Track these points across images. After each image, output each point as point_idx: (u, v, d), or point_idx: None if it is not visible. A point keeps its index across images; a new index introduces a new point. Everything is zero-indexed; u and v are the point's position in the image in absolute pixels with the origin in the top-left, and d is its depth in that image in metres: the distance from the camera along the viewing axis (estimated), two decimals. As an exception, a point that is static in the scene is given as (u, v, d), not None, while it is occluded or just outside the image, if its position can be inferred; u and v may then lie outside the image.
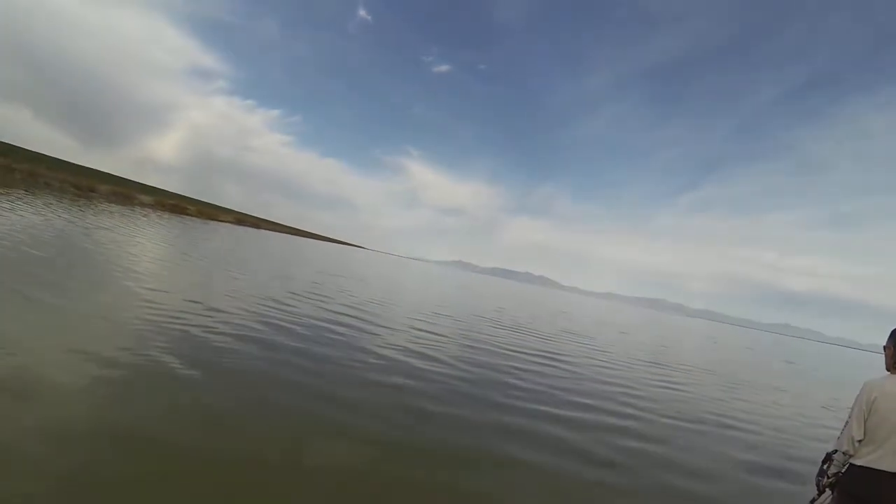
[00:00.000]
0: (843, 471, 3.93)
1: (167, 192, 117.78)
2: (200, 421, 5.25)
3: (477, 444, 6.17)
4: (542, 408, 8.71)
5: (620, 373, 14.67)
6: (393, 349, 11.18)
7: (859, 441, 3.80)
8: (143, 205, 63.58)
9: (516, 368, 12.02)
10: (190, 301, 11.44)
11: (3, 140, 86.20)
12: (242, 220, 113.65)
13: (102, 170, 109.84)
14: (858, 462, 3.79)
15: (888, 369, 3.87)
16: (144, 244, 21.23)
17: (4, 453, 3.89)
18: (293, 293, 16.88)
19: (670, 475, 6.49)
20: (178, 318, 9.61)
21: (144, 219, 38.68)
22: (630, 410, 9.85)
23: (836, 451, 3.98)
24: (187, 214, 74.38)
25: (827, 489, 4.04)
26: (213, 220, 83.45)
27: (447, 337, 14.80)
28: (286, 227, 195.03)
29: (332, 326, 12.42)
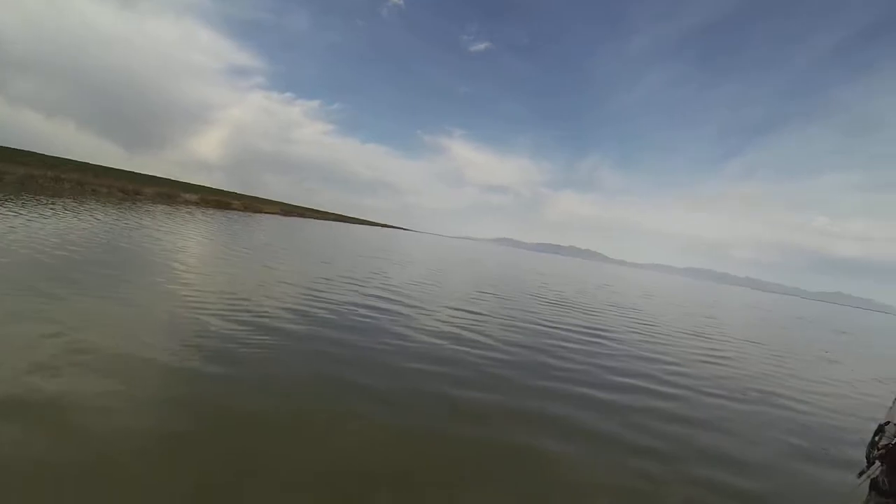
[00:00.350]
0: (894, 443, 3.72)
1: (211, 188, 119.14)
2: (229, 415, 5.30)
3: (508, 436, 5.95)
4: (582, 390, 8.49)
5: (665, 347, 14.39)
6: (428, 332, 11.03)
7: None
8: (187, 202, 65.01)
9: (557, 346, 11.87)
10: (223, 293, 11.53)
11: (51, 154, 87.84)
12: (288, 210, 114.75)
13: (148, 173, 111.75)
14: None
15: None
16: (185, 240, 21.53)
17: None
18: (330, 279, 16.94)
19: (712, 466, 6.14)
20: (211, 309, 9.75)
21: (188, 215, 39.41)
22: (673, 390, 9.53)
23: (888, 423, 3.86)
24: (232, 209, 75.55)
25: (877, 461, 3.82)
26: (258, 212, 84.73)
27: (487, 316, 14.68)
28: (332, 214, 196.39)
29: (368, 311, 12.33)
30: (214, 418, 5.09)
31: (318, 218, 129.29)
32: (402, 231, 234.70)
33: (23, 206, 23.32)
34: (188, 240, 21.73)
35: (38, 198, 30.05)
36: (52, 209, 24.50)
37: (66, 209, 26.01)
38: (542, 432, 6.15)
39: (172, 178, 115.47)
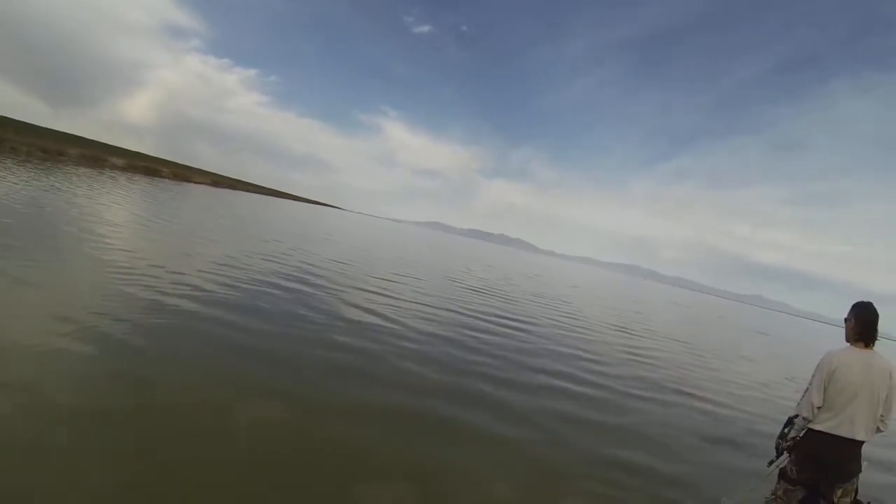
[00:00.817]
0: (802, 435, 4.16)
1: (140, 153, 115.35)
2: (133, 382, 5.15)
3: (390, 436, 5.38)
4: (494, 373, 8.32)
5: (586, 339, 14.31)
6: (336, 312, 10.44)
7: (818, 408, 3.99)
8: (114, 167, 62.11)
9: (471, 333, 11.40)
10: (138, 261, 10.89)
11: None
12: (218, 181, 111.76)
13: (73, 132, 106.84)
14: (817, 427, 4.01)
15: (847, 341, 4.10)
16: (108, 208, 20.25)
17: None
18: (258, 253, 16.50)
19: (619, 449, 6.18)
20: (129, 278, 9.27)
21: (111, 181, 37.48)
22: (590, 377, 9.54)
23: (797, 416, 4.19)
24: (161, 176, 72.90)
25: (786, 452, 4.29)
26: (187, 181, 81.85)
27: (401, 298, 14.16)
28: (263, 188, 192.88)
29: (285, 285, 12.00)
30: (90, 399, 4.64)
31: (248, 190, 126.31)
32: (332, 209, 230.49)
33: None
34: (105, 207, 20.26)
35: None
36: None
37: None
38: (430, 432, 5.63)
39: (99, 141, 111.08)
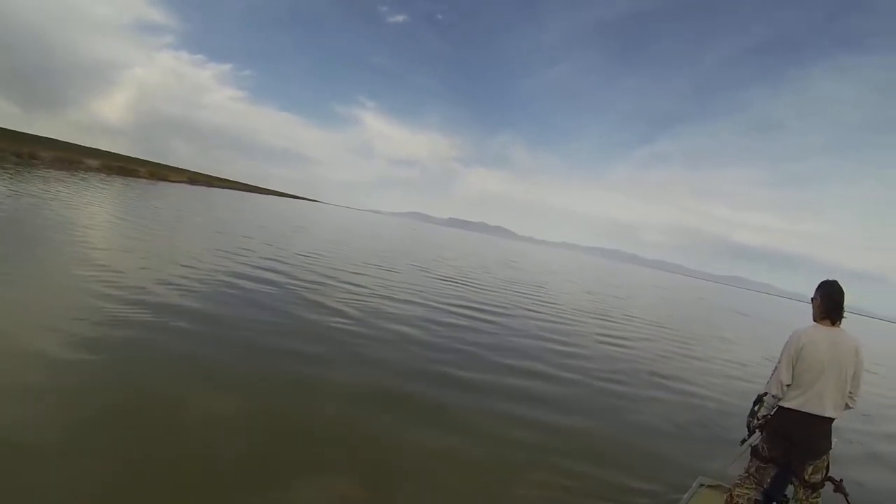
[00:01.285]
0: (772, 413, 4.15)
1: (115, 154, 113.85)
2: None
3: (353, 423, 5.44)
4: (455, 372, 7.83)
5: (561, 327, 13.97)
6: (294, 310, 10.00)
7: (787, 385, 3.98)
8: (89, 169, 60.91)
9: (439, 324, 11.10)
10: (100, 266, 10.41)
11: None
12: (195, 179, 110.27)
13: (46, 135, 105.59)
14: (786, 405, 3.99)
15: (815, 319, 4.07)
16: (79, 211, 19.62)
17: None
18: (224, 250, 15.92)
19: (585, 458, 5.60)
20: (93, 278, 9.09)
21: (82, 182, 36.63)
22: (561, 372, 9.04)
23: (766, 394, 4.20)
24: (137, 176, 71.67)
25: (757, 430, 4.27)
26: (164, 180, 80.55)
27: (368, 289, 13.83)
28: (241, 184, 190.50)
29: (247, 283, 11.60)
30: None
31: (225, 187, 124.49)
32: (311, 203, 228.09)
33: None
34: (75, 210, 19.69)
35: None
36: None
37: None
38: (386, 412, 5.73)
39: (74, 143, 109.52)
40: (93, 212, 20.54)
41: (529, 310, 16.10)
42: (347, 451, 4.81)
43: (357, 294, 12.91)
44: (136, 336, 6.72)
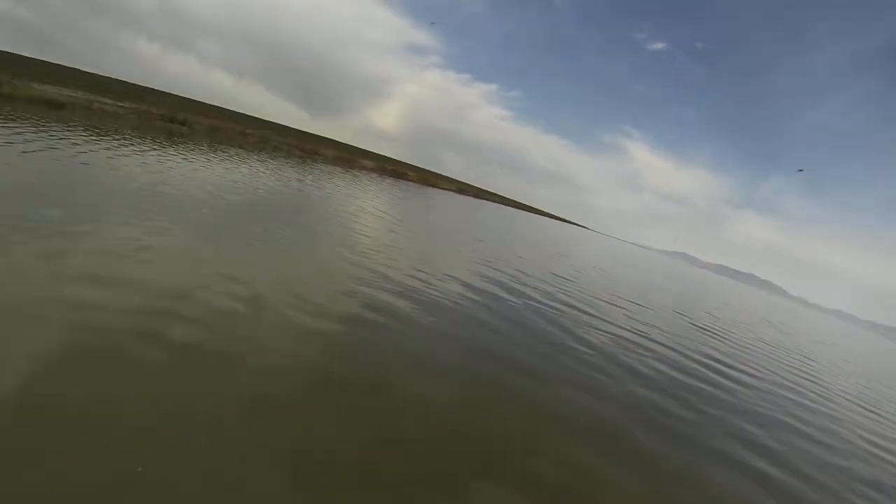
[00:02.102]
0: None
1: (388, 157, 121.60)
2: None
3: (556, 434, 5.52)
4: (671, 422, 7.39)
5: (818, 411, 11.23)
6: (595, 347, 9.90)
7: None
8: (363, 168, 66.47)
9: (683, 371, 10.24)
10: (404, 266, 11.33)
11: (242, 112, 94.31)
12: (462, 189, 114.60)
13: (327, 136, 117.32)
14: None
15: None
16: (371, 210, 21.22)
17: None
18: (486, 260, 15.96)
19: None
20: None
21: (354, 179, 39.79)
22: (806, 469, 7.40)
23: None
24: (407, 179, 76.10)
25: None
26: (432, 186, 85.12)
27: (621, 327, 12.86)
28: (507, 198, 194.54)
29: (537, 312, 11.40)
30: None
31: (492, 200, 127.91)
32: (577, 227, 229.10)
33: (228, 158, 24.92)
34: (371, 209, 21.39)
35: (226, 148, 31.27)
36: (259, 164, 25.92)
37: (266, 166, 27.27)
38: None
39: (351, 144, 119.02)
40: (378, 206, 22.99)
41: (783, 379, 13.60)
42: (535, 468, 4.88)
43: (604, 329, 12.10)
44: (378, 320, 7.53)
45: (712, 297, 42.74)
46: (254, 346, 5.61)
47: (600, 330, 11.74)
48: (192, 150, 23.39)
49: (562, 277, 18.40)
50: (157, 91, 69.38)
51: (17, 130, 15.62)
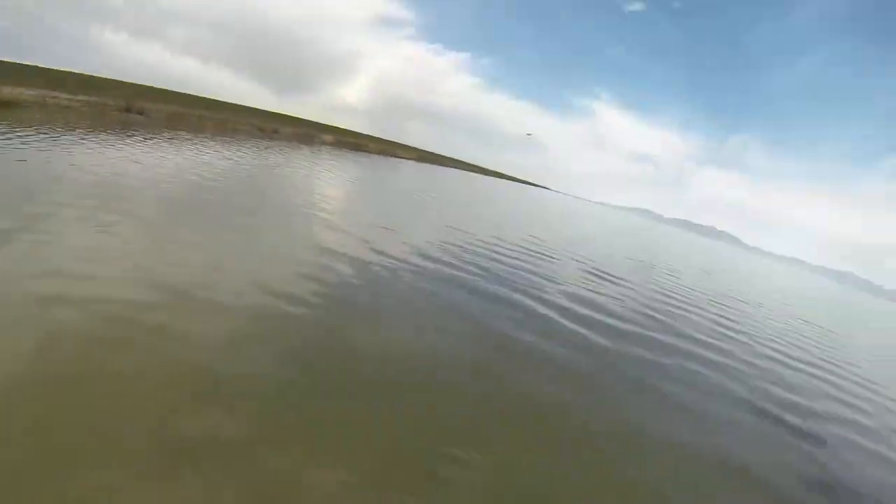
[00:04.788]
0: None
1: (349, 130, 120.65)
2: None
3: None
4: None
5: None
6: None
7: None
8: (323, 143, 65.99)
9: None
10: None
11: (207, 96, 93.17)
12: (423, 157, 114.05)
13: (295, 115, 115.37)
14: None
15: None
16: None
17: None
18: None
19: None
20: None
21: (312, 154, 40.31)
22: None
23: None
24: (367, 151, 75.63)
25: None
26: (392, 156, 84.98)
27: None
28: (470, 164, 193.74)
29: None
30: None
31: (454, 166, 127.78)
32: (542, 190, 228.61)
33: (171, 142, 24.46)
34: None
35: (180, 133, 31.10)
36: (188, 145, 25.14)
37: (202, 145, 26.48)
38: None
39: (314, 121, 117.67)
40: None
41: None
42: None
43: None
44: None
45: (648, 248, 42.93)
46: (211, 322, 5.93)
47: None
48: (142, 140, 22.88)
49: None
50: (118, 81, 68.00)
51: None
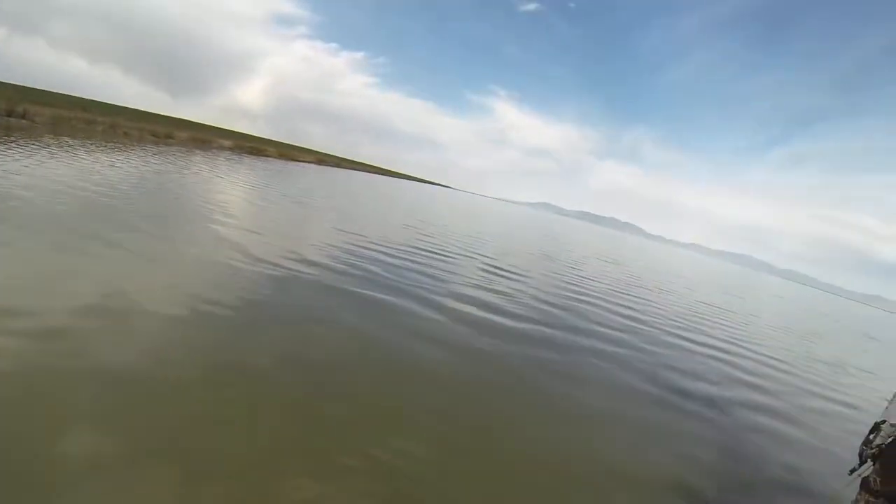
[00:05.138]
0: (889, 442, 3.80)
1: (247, 135, 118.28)
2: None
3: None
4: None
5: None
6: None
7: None
8: (221, 148, 64.39)
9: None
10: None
11: (95, 99, 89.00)
12: (323, 160, 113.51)
13: (189, 118, 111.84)
14: None
15: None
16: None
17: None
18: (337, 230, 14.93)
19: None
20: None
21: (205, 160, 38.09)
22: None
23: (884, 422, 3.93)
24: (267, 156, 74.55)
25: (870, 459, 3.95)
26: (293, 160, 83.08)
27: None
28: (370, 166, 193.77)
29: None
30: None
31: (354, 168, 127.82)
32: (443, 189, 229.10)
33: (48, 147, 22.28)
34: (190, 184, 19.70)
35: (67, 141, 28.71)
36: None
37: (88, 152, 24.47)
38: None
39: (210, 124, 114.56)
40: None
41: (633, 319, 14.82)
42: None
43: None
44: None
45: (551, 240, 43.79)
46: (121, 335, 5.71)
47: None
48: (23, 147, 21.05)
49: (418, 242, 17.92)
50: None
51: None
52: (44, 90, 73.55)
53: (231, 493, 3.76)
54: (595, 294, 16.76)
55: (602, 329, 12.05)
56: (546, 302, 13.58)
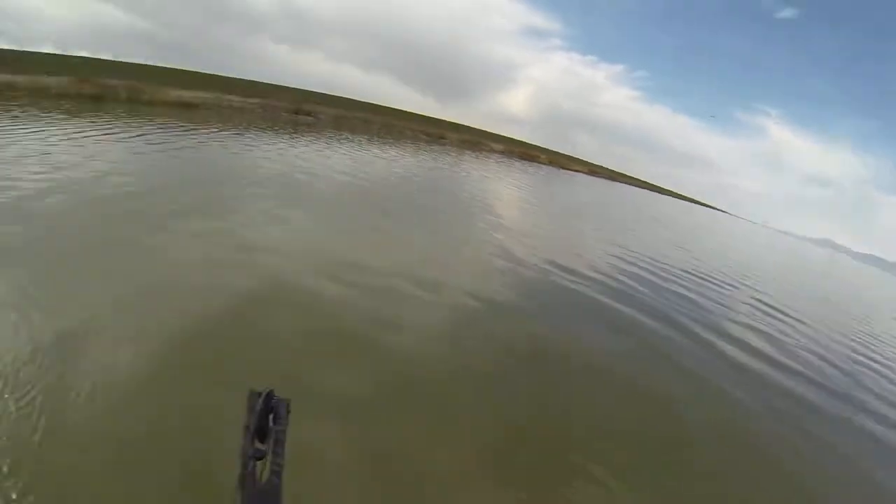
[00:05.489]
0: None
1: (516, 140, 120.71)
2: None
3: None
4: None
5: None
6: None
7: None
8: (492, 151, 66.84)
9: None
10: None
11: (370, 101, 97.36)
12: (595, 171, 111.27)
13: (456, 121, 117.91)
14: None
15: None
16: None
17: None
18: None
19: None
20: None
21: (482, 161, 41.68)
22: None
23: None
24: (537, 162, 74.85)
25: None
26: (563, 168, 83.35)
27: None
28: (642, 181, 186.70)
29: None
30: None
31: (626, 182, 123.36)
32: (720, 213, 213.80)
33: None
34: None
35: (351, 136, 33.53)
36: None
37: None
38: None
39: (478, 128, 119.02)
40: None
41: None
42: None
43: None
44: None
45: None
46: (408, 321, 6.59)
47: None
48: (317, 139, 24.77)
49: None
50: (283, 87, 72.60)
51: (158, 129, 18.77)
52: (323, 93, 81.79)
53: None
54: (888, 363, 13.35)
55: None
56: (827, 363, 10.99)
